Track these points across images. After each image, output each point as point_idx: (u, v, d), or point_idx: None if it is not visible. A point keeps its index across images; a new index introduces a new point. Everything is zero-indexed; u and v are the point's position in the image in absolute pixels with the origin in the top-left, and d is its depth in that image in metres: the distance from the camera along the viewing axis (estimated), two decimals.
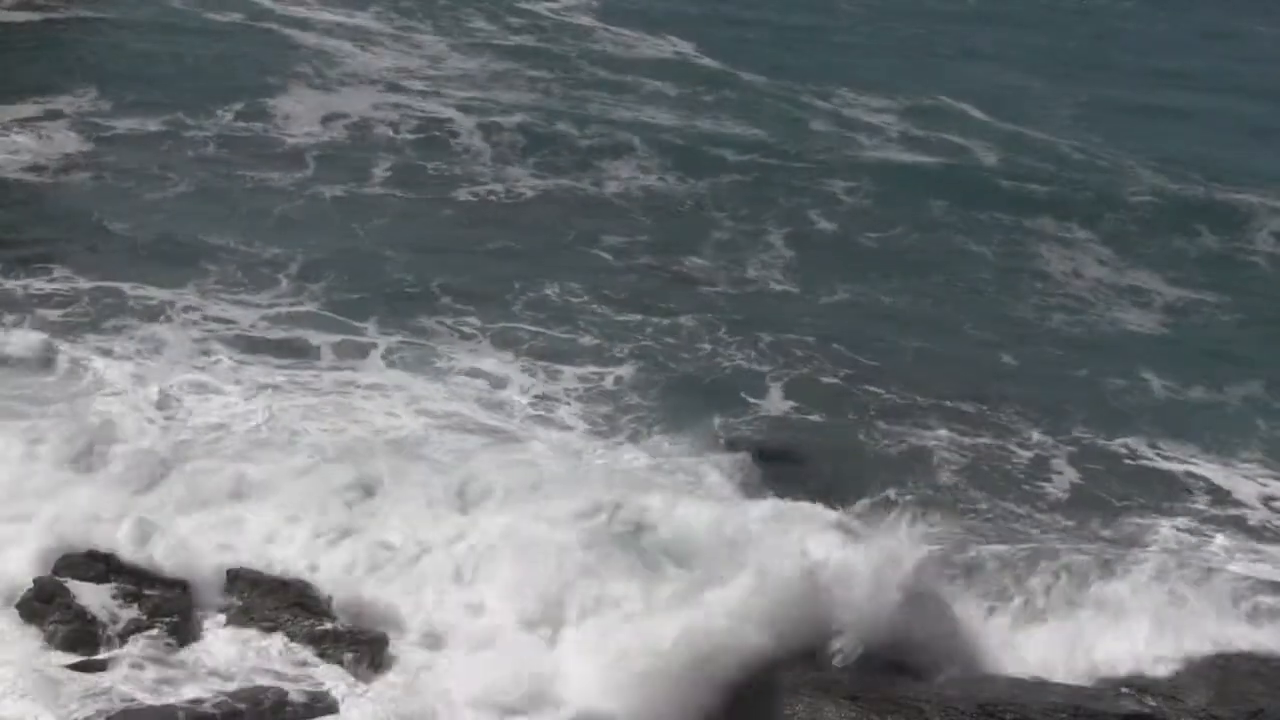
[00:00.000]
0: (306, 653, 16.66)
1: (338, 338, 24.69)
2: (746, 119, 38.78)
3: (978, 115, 40.55)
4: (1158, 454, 23.55)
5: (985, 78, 44.85)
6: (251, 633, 16.77)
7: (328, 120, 35.56)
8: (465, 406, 22.66)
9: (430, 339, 24.96)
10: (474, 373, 23.82)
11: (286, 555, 17.80)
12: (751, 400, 24.07)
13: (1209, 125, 42.05)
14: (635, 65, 42.96)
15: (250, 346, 24.06)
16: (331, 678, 16.49)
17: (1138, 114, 42.55)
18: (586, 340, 25.48)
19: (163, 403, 21.56)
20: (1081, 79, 45.71)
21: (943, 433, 23.45)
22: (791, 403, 24.18)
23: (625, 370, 24.49)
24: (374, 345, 24.54)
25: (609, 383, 24.03)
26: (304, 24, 44.41)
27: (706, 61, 44.00)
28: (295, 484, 18.79)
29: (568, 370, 24.30)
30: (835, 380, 25.02)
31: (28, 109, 33.68)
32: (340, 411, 22.01)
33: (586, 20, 47.72)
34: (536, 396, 23.31)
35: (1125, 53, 50.34)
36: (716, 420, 23.04)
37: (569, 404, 23.22)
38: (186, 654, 16.34)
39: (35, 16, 41.45)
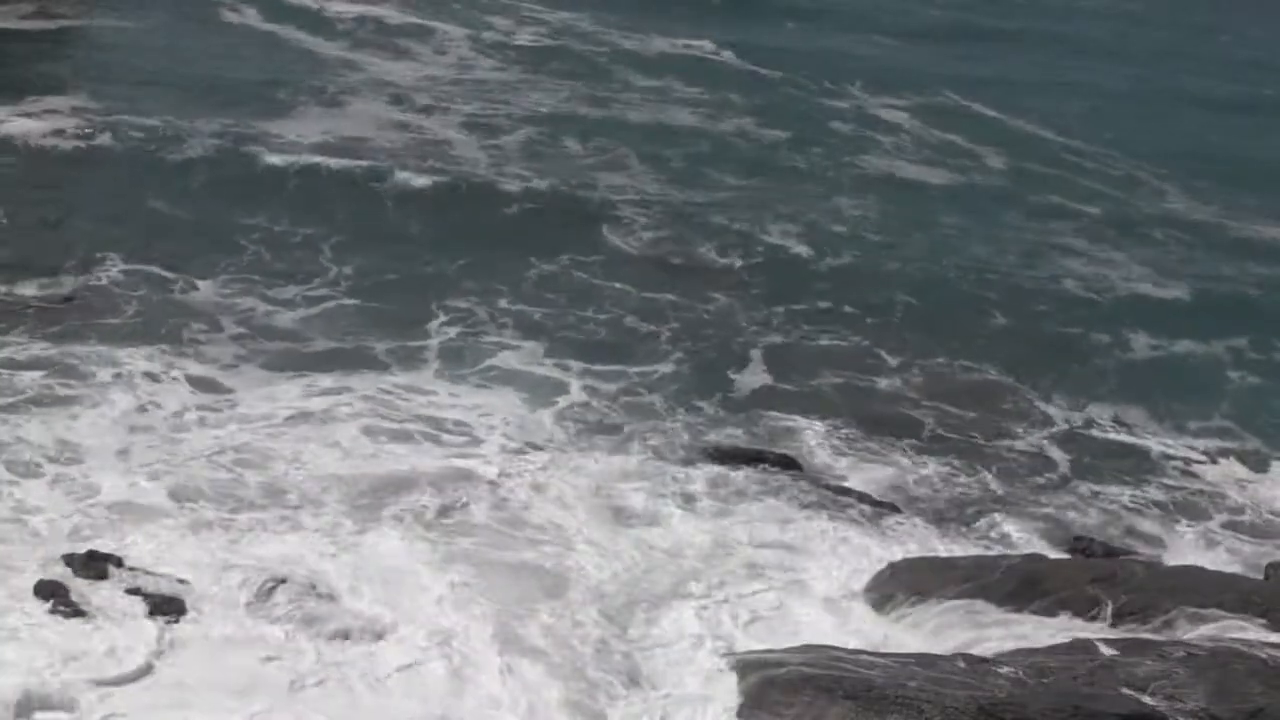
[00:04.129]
0: None
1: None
2: (762, 116, 39.00)
3: (989, 113, 40.82)
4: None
5: (997, 77, 44.98)
6: None
7: (343, 116, 36.07)
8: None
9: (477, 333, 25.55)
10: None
11: None
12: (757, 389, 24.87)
13: (1223, 120, 42.26)
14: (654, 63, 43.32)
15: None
16: None
17: (1151, 109, 42.82)
18: (619, 338, 26.16)
19: None
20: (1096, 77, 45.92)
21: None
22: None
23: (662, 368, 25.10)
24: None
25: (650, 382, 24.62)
26: (318, 19, 44.72)
27: (724, 59, 44.24)
28: None
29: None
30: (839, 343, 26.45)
31: (38, 111, 33.81)
32: None
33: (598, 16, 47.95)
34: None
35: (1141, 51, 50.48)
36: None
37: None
38: None
39: (50, 24, 41.58)
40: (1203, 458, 23.83)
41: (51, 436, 20.43)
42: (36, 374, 22.14)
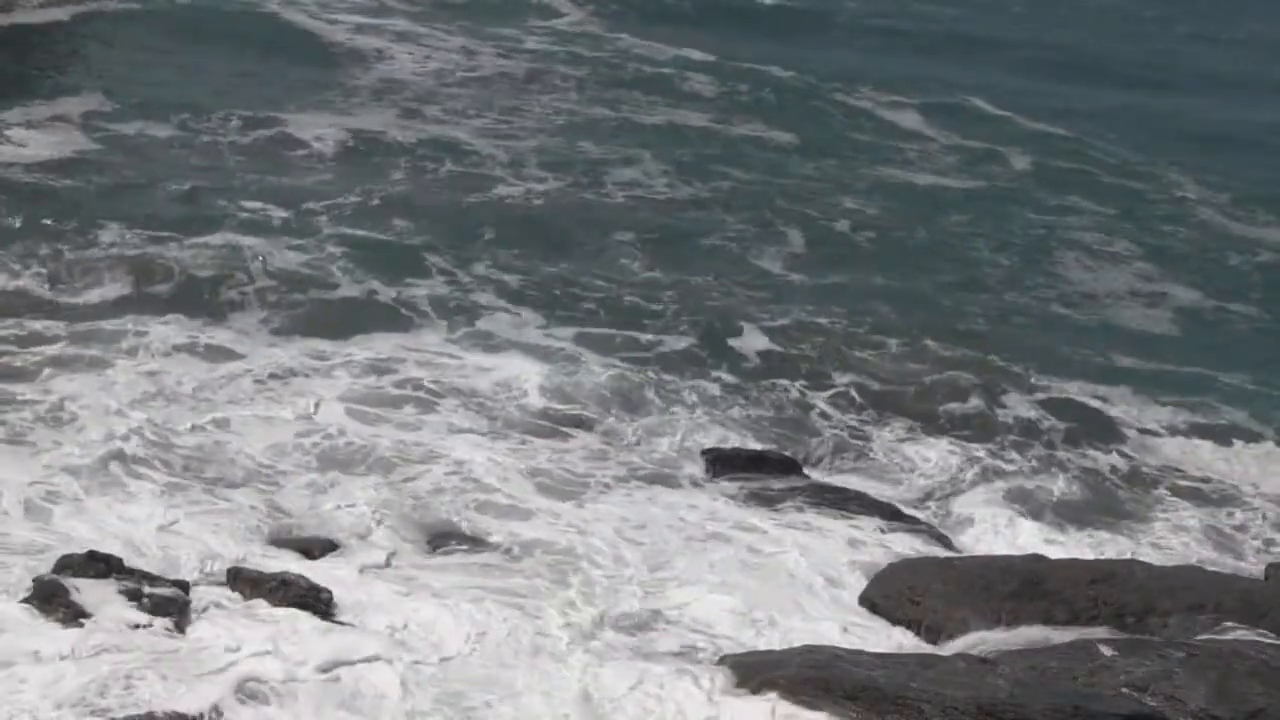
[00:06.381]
0: None
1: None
2: (773, 117, 39.07)
3: (1000, 113, 40.97)
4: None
5: (1006, 77, 45.15)
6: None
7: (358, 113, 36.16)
8: None
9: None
10: None
11: None
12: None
13: (1226, 120, 42.38)
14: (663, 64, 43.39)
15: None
16: None
17: (1154, 110, 42.96)
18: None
19: None
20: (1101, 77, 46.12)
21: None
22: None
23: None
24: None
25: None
26: (327, 6, 44.82)
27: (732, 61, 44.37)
28: None
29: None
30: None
31: (52, 109, 33.98)
32: None
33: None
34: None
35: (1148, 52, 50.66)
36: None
37: None
38: None
39: (63, 15, 41.69)
40: (1202, 447, 23.86)
41: (48, 409, 20.67)
42: (42, 348, 22.43)
